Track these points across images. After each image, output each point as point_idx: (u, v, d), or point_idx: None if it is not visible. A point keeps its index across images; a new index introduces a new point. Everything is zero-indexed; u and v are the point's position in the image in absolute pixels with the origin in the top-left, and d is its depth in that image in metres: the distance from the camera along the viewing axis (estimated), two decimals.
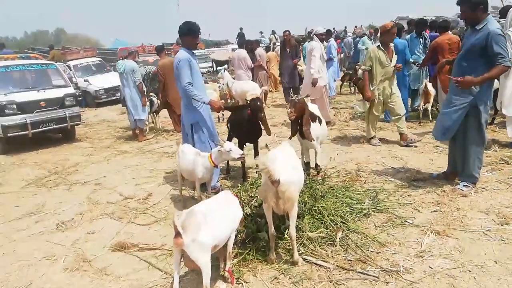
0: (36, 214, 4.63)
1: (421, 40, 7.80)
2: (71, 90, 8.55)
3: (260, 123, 4.76)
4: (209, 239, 2.47)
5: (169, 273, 3.09)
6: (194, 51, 4.74)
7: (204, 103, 4.54)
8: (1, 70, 7.90)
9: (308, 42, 10.38)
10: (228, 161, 5.42)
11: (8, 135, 7.48)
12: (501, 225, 3.44)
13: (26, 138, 7.75)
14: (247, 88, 9.08)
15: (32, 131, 7.59)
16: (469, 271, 2.86)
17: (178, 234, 2.38)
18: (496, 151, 5.40)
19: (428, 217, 3.71)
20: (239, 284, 2.92)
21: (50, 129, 8.03)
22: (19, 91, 7.80)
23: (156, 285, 2.99)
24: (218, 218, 2.63)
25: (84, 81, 13.60)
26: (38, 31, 53.03)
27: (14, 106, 7.53)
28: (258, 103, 4.63)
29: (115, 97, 13.82)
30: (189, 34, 4.56)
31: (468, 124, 4.17)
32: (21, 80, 8.25)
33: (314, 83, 7.20)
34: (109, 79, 13.95)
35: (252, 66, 10.41)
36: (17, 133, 7.55)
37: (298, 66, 10.10)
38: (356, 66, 11.48)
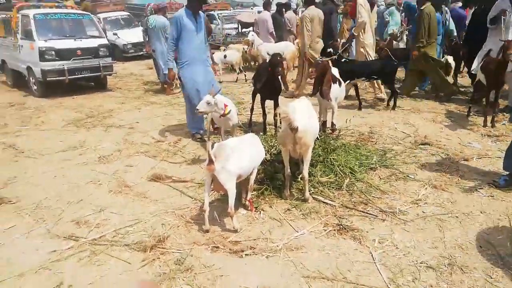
0: (78, 149, 5.23)
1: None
2: (104, 41, 9.00)
3: (280, 79, 5.06)
4: (235, 168, 2.98)
5: (198, 199, 3.66)
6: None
7: (166, 65, 5.30)
8: (41, 18, 8.37)
9: None
10: (251, 116, 5.87)
11: (47, 79, 8.05)
12: (504, 188, 3.81)
13: (62, 83, 8.32)
14: (281, 47, 9.27)
15: (68, 77, 8.15)
16: (457, 217, 3.31)
17: (210, 161, 2.90)
18: (505, 124, 5.69)
19: (429, 175, 4.14)
20: (258, 212, 3.45)
21: (85, 76, 8.61)
22: (58, 39, 8.30)
23: (188, 207, 3.56)
24: (243, 152, 3.13)
25: (113, 34, 14.00)
26: None
27: (53, 52, 8.05)
28: (278, 58, 4.92)
29: (142, 52, 14.26)
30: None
31: None
32: (59, 28, 8.73)
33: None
34: (137, 34, 14.30)
35: (271, 30, 10.25)
36: (55, 78, 8.12)
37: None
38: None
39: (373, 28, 7.73)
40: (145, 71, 11.75)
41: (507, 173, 3.89)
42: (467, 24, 7.81)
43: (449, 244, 2.95)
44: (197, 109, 4.15)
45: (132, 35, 14.26)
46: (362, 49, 7.37)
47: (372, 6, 7.65)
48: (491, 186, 3.82)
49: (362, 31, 7.23)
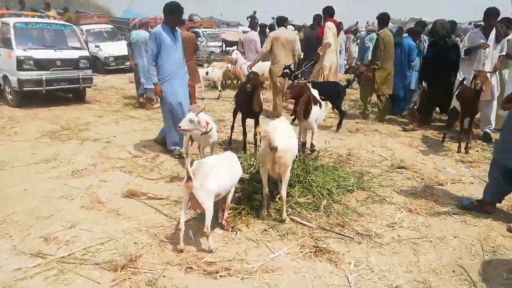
0: (52, 161, 5.07)
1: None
2: (85, 52, 8.90)
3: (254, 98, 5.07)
4: (214, 186, 2.94)
5: (174, 217, 3.58)
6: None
7: (150, 81, 5.29)
8: (21, 26, 8.23)
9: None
10: (231, 134, 5.85)
11: (24, 89, 7.86)
12: (466, 210, 3.91)
13: (39, 94, 8.13)
14: (263, 67, 9.29)
15: (46, 87, 7.98)
16: (431, 241, 3.35)
17: (189, 179, 2.84)
18: (478, 151, 5.86)
19: (404, 198, 4.19)
20: (234, 232, 3.39)
21: (63, 88, 8.45)
22: (37, 48, 8.15)
23: (163, 226, 3.47)
24: (222, 171, 3.09)
25: (95, 46, 13.87)
26: None
27: (31, 62, 7.89)
28: (251, 75, 5.00)
29: (124, 66, 14.15)
30: (173, 14, 5.05)
31: None
32: (39, 38, 8.58)
33: None
34: (120, 47, 14.22)
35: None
36: (32, 88, 7.93)
37: None
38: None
39: (337, 52, 8.06)
40: (126, 85, 11.61)
41: (479, 198, 3.98)
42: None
43: (424, 268, 2.97)
44: (179, 127, 4.12)
45: (114, 48, 14.15)
46: (319, 70, 7.64)
47: (339, 32, 7.94)
48: (464, 211, 3.89)
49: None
